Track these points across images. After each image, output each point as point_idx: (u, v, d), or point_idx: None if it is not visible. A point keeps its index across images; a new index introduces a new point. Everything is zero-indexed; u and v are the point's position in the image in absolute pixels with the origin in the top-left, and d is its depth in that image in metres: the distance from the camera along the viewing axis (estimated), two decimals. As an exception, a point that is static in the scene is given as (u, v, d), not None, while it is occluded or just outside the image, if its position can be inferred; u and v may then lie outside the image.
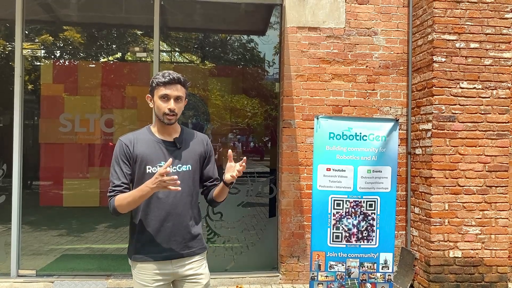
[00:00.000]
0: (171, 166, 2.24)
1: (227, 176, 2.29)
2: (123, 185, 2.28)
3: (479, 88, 4.52)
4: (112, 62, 5.74)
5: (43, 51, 5.35)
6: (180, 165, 2.34)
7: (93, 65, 5.61)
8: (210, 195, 2.48)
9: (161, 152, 2.33)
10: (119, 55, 5.80)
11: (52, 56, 5.52)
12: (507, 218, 4.56)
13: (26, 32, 5.11)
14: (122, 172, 2.29)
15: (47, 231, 5.35)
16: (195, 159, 2.40)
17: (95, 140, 5.30)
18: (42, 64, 5.37)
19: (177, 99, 2.31)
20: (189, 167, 2.36)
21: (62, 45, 5.58)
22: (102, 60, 5.71)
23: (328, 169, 4.06)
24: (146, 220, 2.31)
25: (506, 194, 4.54)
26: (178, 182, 2.10)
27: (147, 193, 2.16)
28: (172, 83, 2.30)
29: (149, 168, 2.29)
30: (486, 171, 4.51)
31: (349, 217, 4.04)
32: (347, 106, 4.92)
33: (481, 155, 4.51)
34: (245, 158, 2.25)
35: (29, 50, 5.15)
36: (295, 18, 4.88)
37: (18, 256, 4.91)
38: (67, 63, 5.64)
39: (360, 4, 4.96)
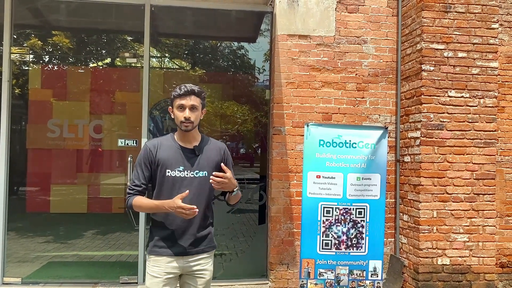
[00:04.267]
0: (189, 171, 2.57)
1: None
2: (143, 186, 2.59)
3: (466, 97, 4.58)
4: (101, 67, 5.71)
5: (31, 56, 5.30)
6: (198, 171, 2.60)
7: (82, 71, 5.57)
8: (226, 199, 2.77)
9: (180, 157, 2.59)
10: (108, 60, 5.77)
11: (41, 61, 5.47)
12: (494, 226, 4.60)
13: (15, 36, 5.07)
14: (144, 174, 2.59)
15: (34, 238, 5.27)
16: (212, 167, 2.63)
17: (83, 146, 5.25)
18: (30, 68, 5.32)
19: (192, 108, 2.57)
20: (205, 173, 2.60)
21: (51, 50, 5.53)
22: (91, 65, 5.67)
23: (318, 176, 4.07)
24: (166, 219, 2.57)
25: (493, 202, 4.59)
26: (197, 211, 2.40)
27: (163, 211, 2.48)
28: (186, 95, 2.56)
29: (168, 172, 2.57)
30: (474, 179, 4.55)
31: (339, 224, 4.05)
32: (337, 113, 4.94)
33: (468, 163, 4.56)
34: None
35: (17, 54, 5.10)
36: (285, 25, 4.91)
37: (3, 264, 4.82)
38: (56, 68, 5.59)
39: (350, 13, 5.00)
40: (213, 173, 2.51)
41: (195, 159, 2.61)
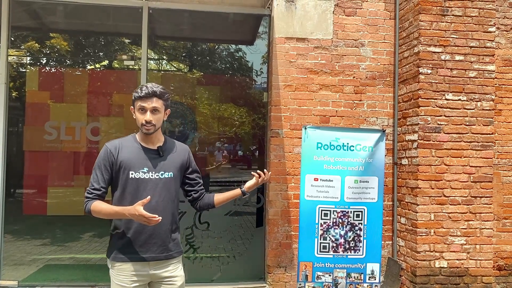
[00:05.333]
0: (153, 172, 2.45)
1: (250, 183, 2.67)
2: (102, 190, 2.45)
3: (464, 100, 4.59)
4: (99, 69, 5.70)
5: (29, 58, 5.29)
6: (163, 172, 2.49)
7: (80, 73, 5.56)
8: (208, 199, 2.70)
9: (144, 158, 2.47)
10: (106, 63, 5.77)
11: (38, 63, 5.46)
12: (492, 229, 4.61)
13: (12, 38, 5.05)
14: (103, 177, 2.45)
15: (30, 241, 5.25)
16: (177, 168, 2.56)
17: (80, 148, 5.24)
18: (27, 71, 5.31)
19: (153, 110, 2.46)
20: (171, 174, 2.51)
21: (48, 52, 5.52)
22: (89, 67, 5.66)
23: (316, 179, 4.08)
24: (128, 223, 2.42)
25: (491, 204, 4.59)
26: (160, 219, 2.25)
27: (124, 217, 2.35)
28: (148, 97, 2.45)
29: (132, 174, 2.44)
30: (471, 181, 4.56)
31: (336, 227, 4.05)
32: (335, 116, 4.94)
33: (466, 166, 4.57)
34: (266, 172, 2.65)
35: (14, 56, 5.09)
36: (283, 28, 4.91)
37: (-1, 267, 4.81)
38: (53, 70, 5.58)
39: (348, 16, 5.01)
40: (258, 171, 2.63)
41: (160, 160, 2.49)
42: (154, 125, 2.45)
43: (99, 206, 2.38)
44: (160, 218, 2.26)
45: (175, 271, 2.53)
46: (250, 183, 2.69)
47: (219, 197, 2.69)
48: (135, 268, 2.42)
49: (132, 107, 2.54)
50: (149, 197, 2.29)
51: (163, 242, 2.46)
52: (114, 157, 2.44)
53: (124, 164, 2.43)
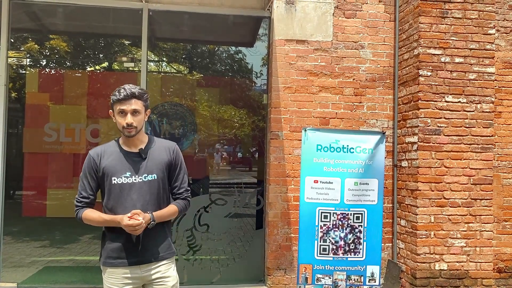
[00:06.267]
0: (136, 176, 2.44)
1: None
2: (91, 197, 2.49)
3: (463, 102, 4.59)
4: (99, 71, 5.70)
5: (28, 60, 5.29)
6: (146, 175, 2.47)
7: (80, 74, 5.56)
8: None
9: (126, 163, 2.46)
10: (106, 64, 5.77)
11: (38, 65, 5.45)
12: (492, 231, 4.60)
13: (12, 40, 5.05)
14: (90, 185, 2.48)
15: (30, 242, 5.24)
16: (161, 168, 2.51)
17: (80, 150, 5.23)
18: (27, 72, 5.31)
19: (134, 112, 2.43)
20: (154, 176, 2.48)
21: (48, 53, 5.52)
22: (89, 69, 5.66)
23: (316, 181, 4.07)
24: (116, 227, 2.40)
25: (491, 206, 4.59)
26: (142, 222, 2.31)
27: (114, 225, 2.38)
28: (126, 99, 2.42)
29: (114, 179, 2.44)
30: (471, 184, 4.56)
31: (336, 229, 4.04)
32: (334, 118, 4.95)
33: (466, 168, 4.56)
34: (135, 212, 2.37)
35: (14, 58, 5.08)
36: (283, 30, 4.92)
37: (-2, 269, 4.80)
38: (53, 72, 5.58)
39: (348, 18, 5.02)
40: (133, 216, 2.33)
41: (142, 163, 2.47)
42: (135, 127, 2.43)
43: (89, 215, 2.43)
44: (143, 221, 2.30)
45: (167, 271, 2.51)
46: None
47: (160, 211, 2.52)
48: (126, 271, 2.43)
49: (111, 110, 2.50)
50: (139, 211, 2.33)
51: (153, 245, 2.46)
52: (97, 164, 2.46)
53: (107, 171, 2.44)
